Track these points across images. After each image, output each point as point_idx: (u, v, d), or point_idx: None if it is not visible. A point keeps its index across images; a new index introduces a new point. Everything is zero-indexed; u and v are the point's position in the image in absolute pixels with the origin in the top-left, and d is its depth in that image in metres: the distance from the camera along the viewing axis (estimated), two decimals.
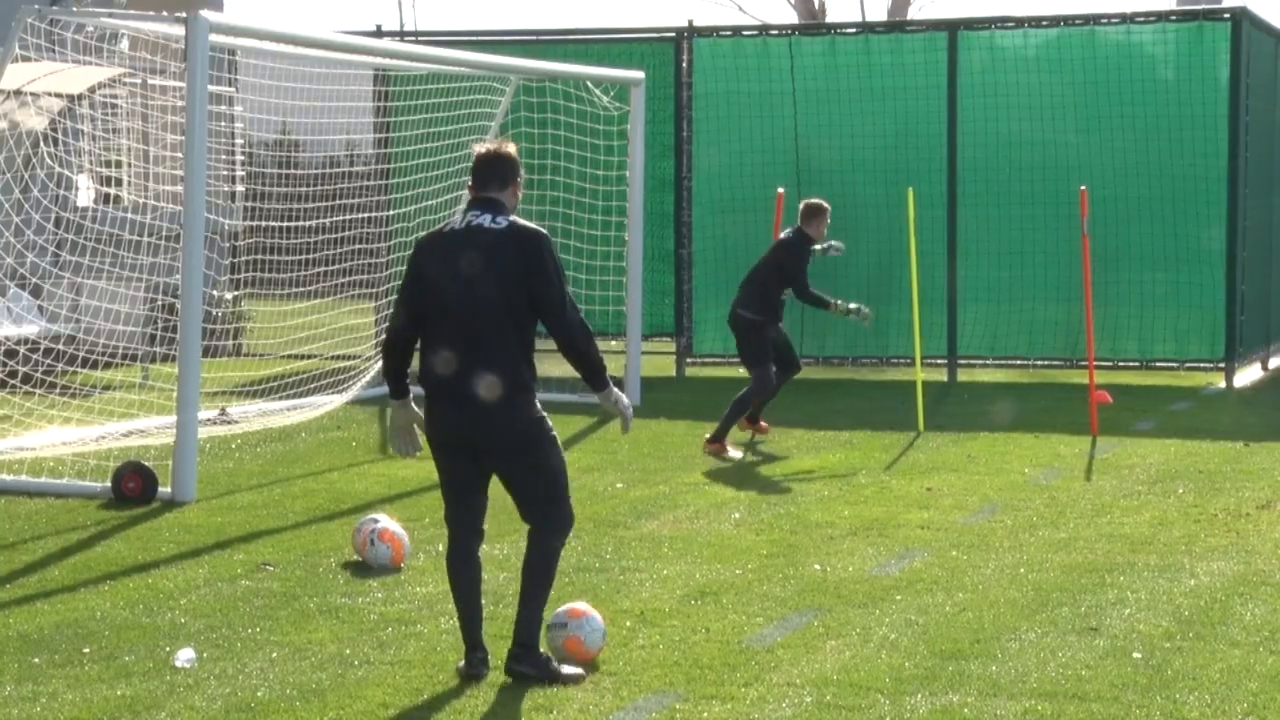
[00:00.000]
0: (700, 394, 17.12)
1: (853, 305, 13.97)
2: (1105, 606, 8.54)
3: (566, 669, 7.31)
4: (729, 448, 13.32)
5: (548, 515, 7.33)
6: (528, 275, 7.17)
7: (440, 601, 8.56)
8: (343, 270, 15.89)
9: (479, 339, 7.16)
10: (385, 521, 9.50)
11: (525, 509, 7.37)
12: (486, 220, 7.28)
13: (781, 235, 14.15)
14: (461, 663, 7.41)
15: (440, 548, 9.84)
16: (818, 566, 9.46)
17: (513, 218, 7.33)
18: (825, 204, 13.99)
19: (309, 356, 16.45)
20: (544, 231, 7.35)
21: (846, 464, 12.99)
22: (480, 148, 7.49)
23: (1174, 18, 18.65)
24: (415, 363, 7.44)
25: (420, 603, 8.59)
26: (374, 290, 17.03)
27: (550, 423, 7.34)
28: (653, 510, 11.12)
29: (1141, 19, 18.48)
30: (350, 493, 11.75)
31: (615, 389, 7.42)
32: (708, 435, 13.39)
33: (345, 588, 8.92)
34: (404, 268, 7.64)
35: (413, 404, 7.47)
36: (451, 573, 7.41)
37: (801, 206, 13.92)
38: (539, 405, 7.31)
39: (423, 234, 7.53)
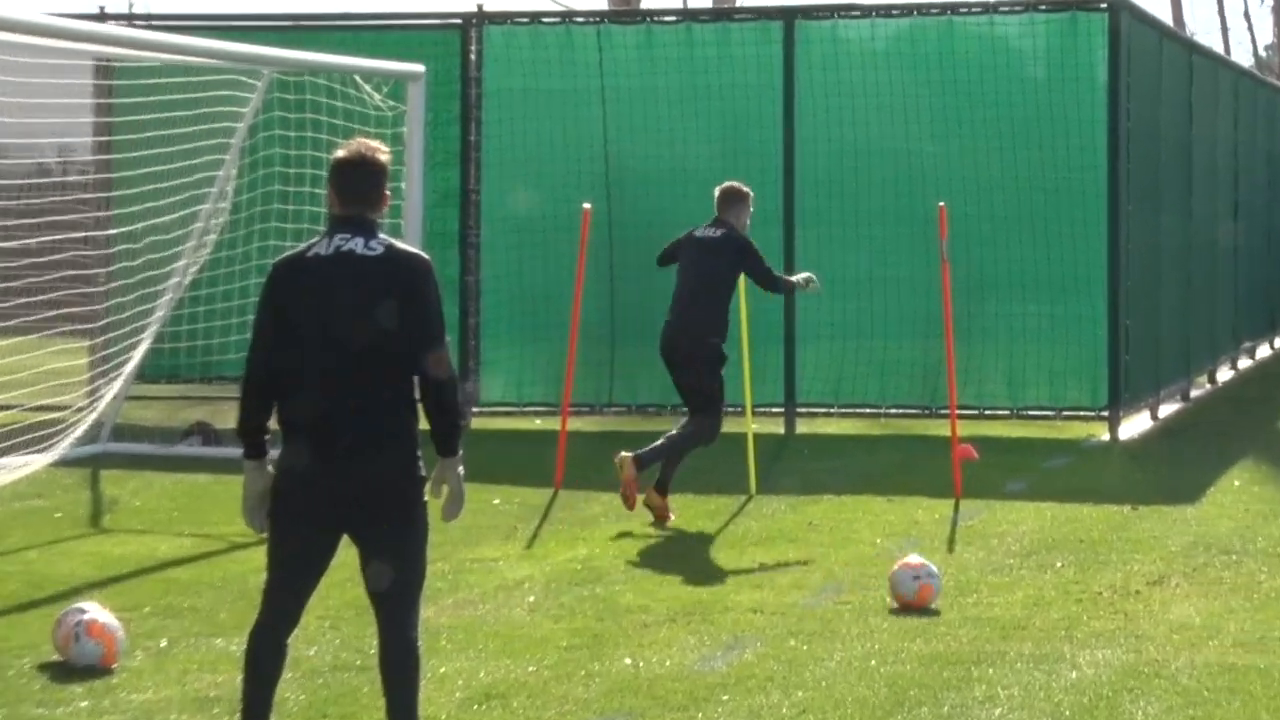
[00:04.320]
0: (488, 450, 16.78)
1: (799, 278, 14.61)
2: (971, 705, 8.55)
3: None
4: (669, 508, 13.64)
5: (411, 602, 7.20)
6: (405, 306, 7.04)
7: (161, 711, 8.39)
8: (50, 302, 15.63)
9: (352, 383, 7.04)
10: (94, 612, 9.31)
11: (384, 588, 7.18)
12: (359, 245, 7.11)
13: (715, 234, 13.96)
14: None
15: (163, 643, 9.78)
16: (629, 661, 9.43)
17: (389, 240, 7.18)
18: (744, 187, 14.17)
19: (6, 407, 16.06)
20: (427, 258, 7.22)
21: (663, 534, 12.96)
22: (343, 152, 7.27)
23: (1044, 7, 18.90)
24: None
25: (137, 712, 8.39)
26: (89, 326, 16.86)
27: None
28: (429, 593, 10.77)
29: (1006, 8, 18.82)
30: (52, 576, 11.56)
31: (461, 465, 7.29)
32: (653, 485, 13.60)
33: (42, 695, 8.70)
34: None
35: (269, 466, 7.27)
36: (251, 662, 7.22)
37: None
38: (421, 463, 7.12)
39: (278, 259, 7.33)
